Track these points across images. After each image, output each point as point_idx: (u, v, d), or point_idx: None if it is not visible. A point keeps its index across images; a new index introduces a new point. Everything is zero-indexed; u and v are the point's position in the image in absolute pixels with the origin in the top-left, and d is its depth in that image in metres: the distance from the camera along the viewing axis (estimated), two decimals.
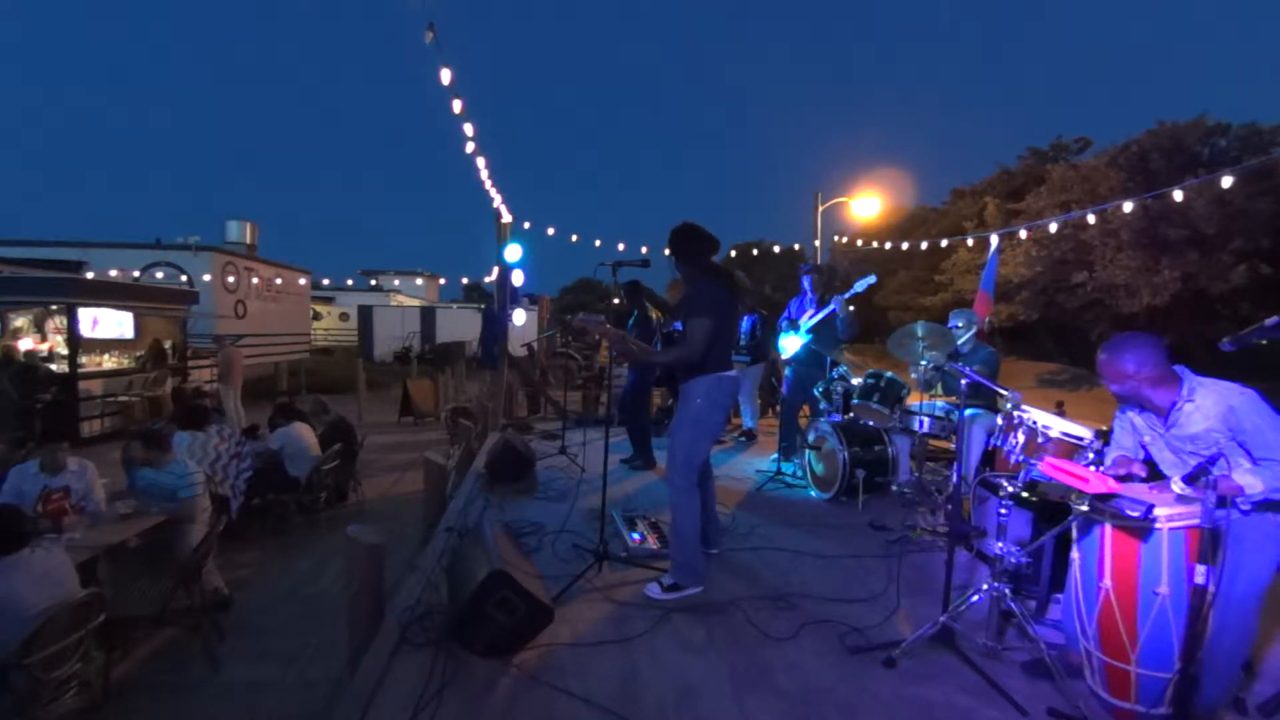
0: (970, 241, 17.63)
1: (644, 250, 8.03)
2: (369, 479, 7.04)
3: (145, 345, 10.65)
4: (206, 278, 13.60)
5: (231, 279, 14.45)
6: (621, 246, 9.85)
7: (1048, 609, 2.82)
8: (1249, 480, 1.87)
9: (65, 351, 9.28)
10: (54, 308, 9.64)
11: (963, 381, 2.86)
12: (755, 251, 28.45)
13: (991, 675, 2.28)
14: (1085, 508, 2.08)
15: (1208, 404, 2.02)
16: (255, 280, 15.50)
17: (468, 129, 6.26)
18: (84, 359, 9.41)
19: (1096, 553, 2.13)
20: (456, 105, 5.84)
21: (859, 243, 13.95)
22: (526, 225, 8.53)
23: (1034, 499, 2.87)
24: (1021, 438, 2.95)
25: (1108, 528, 2.09)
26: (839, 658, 2.46)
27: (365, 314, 24.35)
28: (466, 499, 4.41)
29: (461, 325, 22.89)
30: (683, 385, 3.02)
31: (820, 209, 11.70)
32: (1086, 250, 18.91)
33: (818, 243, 11.79)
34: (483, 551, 2.57)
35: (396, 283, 37.16)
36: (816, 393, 5.17)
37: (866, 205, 12.11)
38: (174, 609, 3.51)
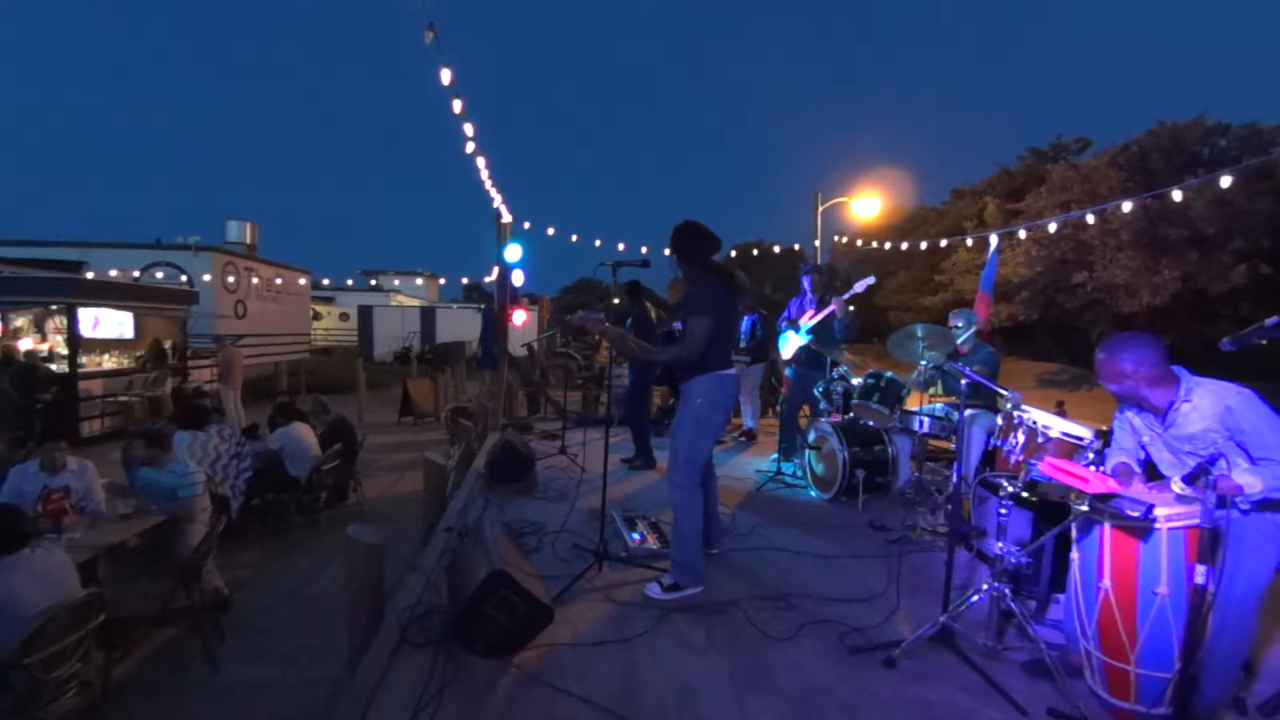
0: (970, 241, 17.63)
1: (644, 250, 8.03)
2: (369, 479, 7.04)
3: (145, 345, 10.65)
4: (206, 278, 13.60)
5: (231, 279, 14.45)
6: (621, 246, 9.85)
7: (1048, 609, 2.82)
8: (1248, 480, 1.88)
9: (65, 351, 9.29)
10: (54, 308, 9.64)
11: (963, 381, 2.86)
12: (755, 251, 28.45)
13: (991, 675, 2.28)
14: (1085, 508, 2.08)
15: (1205, 404, 2.02)
16: (255, 280, 15.50)
17: (468, 129, 6.26)
18: (84, 359, 9.41)
19: (1096, 553, 2.13)
20: (456, 105, 5.84)
21: (859, 243, 13.94)
22: (526, 225, 8.54)
23: (1034, 499, 2.87)
24: (1021, 438, 2.96)
25: (1107, 528, 2.09)
26: (839, 658, 2.46)
27: (365, 314, 24.36)
28: (466, 499, 4.41)
29: (461, 325, 22.90)
30: (683, 385, 3.02)
31: (820, 209, 11.70)
32: (1086, 250, 18.92)
33: (818, 243, 11.78)
34: (483, 551, 2.57)
35: (396, 283, 37.16)
36: (816, 393, 5.17)
37: (866, 205, 12.09)
38: (174, 609, 3.51)
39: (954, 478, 3.39)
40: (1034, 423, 2.94)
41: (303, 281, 18.53)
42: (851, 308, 5.06)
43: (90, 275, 12.02)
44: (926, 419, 4.06)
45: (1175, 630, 1.95)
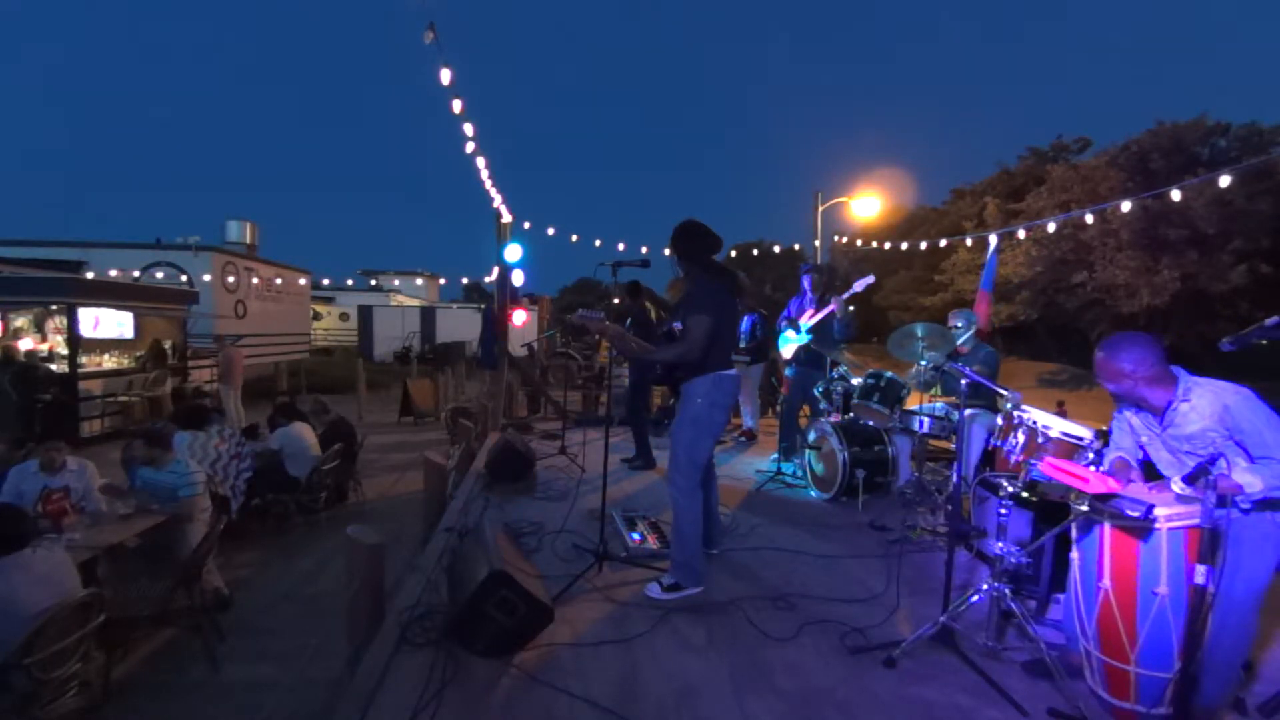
0: (970, 241, 17.63)
1: (644, 250, 8.03)
2: (369, 479, 7.04)
3: (145, 345, 10.65)
4: (206, 278, 13.61)
5: (231, 279, 14.45)
6: (621, 246, 9.84)
7: (1048, 609, 2.82)
8: (1248, 479, 1.88)
9: (65, 351, 9.29)
10: (54, 308, 9.65)
11: (963, 381, 2.86)
12: (755, 251, 28.45)
13: (991, 675, 2.28)
14: (1085, 508, 2.08)
15: (1203, 404, 2.02)
16: (255, 280, 15.51)
17: (468, 129, 6.26)
18: (84, 359, 9.42)
19: (1096, 553, 2.13)
20: (456, 105, 5.84)
21: (859, 243, 13.95)
22: (527, 225, 8.53)
23: (1034, 499, 2.87)
24: (1021, 438, 2.96)
25: (1107, 528, 2.09)
26: (839, 658, 2.46)
27: (365, 314, 24.37)
28: (466, 499, 4.41)
29: (461, 325, 22.89)
30: (683, 385, 3.01)
31: (820, 209, 11.70)
32: (1086, 250, 18.93)
33: (818, 243, 11.78)
34: (483, 551, 2.56)
35: (396, 283, 37.15)
36: (816, 393, 5.17)
37: (866, 205, 12.10)
38: (174, 609, 3.51)
39: (954, 478, 3.40)
40: (1034, 423, 2.94)
41: (303, 281, 18.53)
42: (851, 307, 5.06)
43: (90, 275, 12.03)
44: (926, 419, 4.06)
45: (1175, 630, 1.95)
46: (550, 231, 9.09)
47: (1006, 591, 2.45)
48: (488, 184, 7.42)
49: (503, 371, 7.94)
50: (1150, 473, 2.29)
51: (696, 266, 3.05)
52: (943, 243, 10.34)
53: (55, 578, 2.81)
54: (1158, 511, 1.94)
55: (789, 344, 5.49)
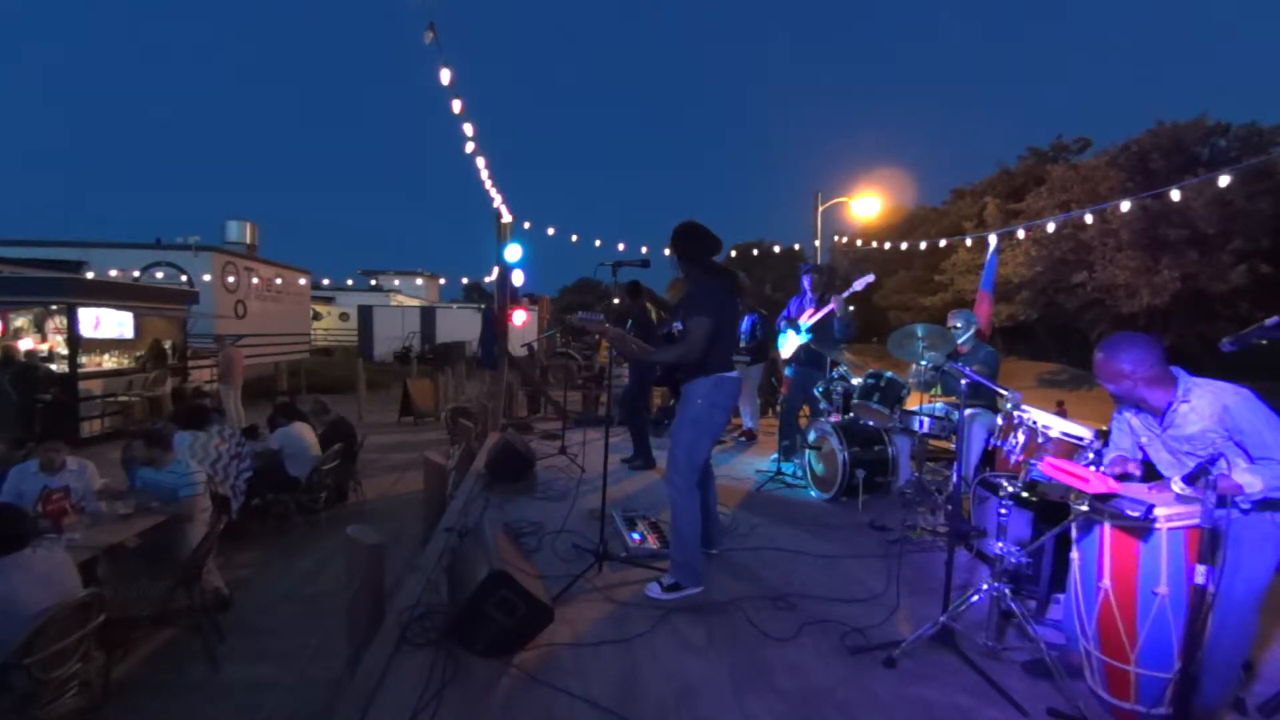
0: (970, 241, 17.63)
1: (644, 250, 8.02)
2: (369, 479, 7.04)
3: (145, 345, 10.65)
4: (206, 278, 13.61)
5: (231, 279, 14.45)
6: (621, 246, 9.83)
7: (1048, 609, 2.82)
8: (1248, 479, 1.88)
9: (65, 351, 9.29)
10: (54, 308, 9.65)
11: (963, 381, 2.86)
12: (755, 251, 28.45)
13: (991, 675, 2.28)
14: (1085, 508, 2.08)
15: (1203, 405, 2.02)
16: (255, 280, 15.51)
17: (467, 129, 6.26)
18: (84, 359, 9.42)
19: (1096, 553, 2.13)
20: (456, 105, 5.84)
21: (859, 243, 13.95)
22: (527, 225, 8.52)
23: (1034, 499, 2.87)
24: (1021, 438, 2.96)
25: (1107, 528, 2.09)
26: (839, 658, 2.46)
27: (365, 314, 24.37)
28: (466, 499, 4.41)
29: (461, 325, 22.90)
30: (684, 386, 3.02)
31: (820, 209, 11.70)
32: (1086, 250, 18.94)
33: (818, 243, 11.78)
34: (483, 551, 2.56)
35: (396, 283, 37.16)
36: (816, 393, 5.17)
37: (866, 205, 12.10)
38: (174, 609, 3.51)
39: (954, 478, 3.40)
40: (1034, 423, 2.94)
41: (303, 281, 18.53)
42: (851, 307, 5.06)
43: (90, 275, 12.03)
44: (926, 419, 4.06)
45: (1175, 630, 1.95)
46: (550, 231, 9.09)
47: (1006, 591, 2.45)
48: (488, 184, 7.42)
49: (503, 371, 7.94)
50: (1150, 473, 2.29)
51: (696, 268, 3.05)
52: (943, 243, 10.34)
53: (55, 578, 2.81)
54: (1158, 511, 1.94)
55: (789, 343, 5.49)
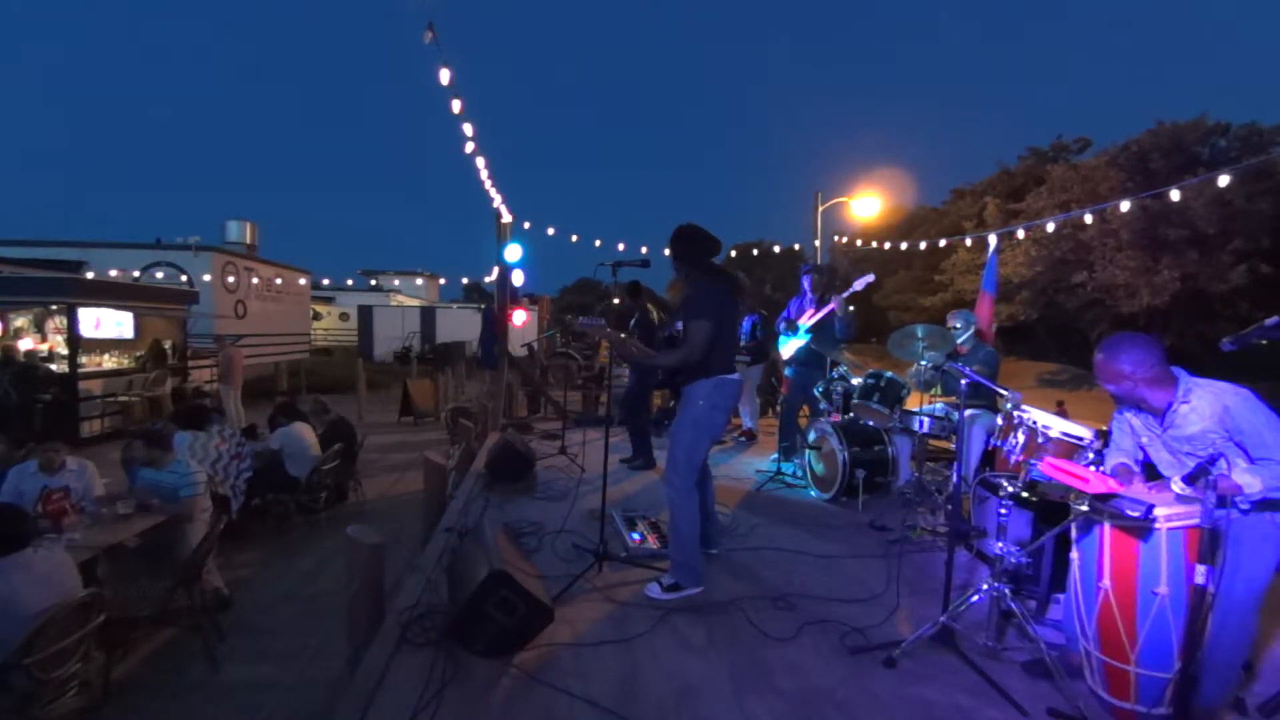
0: (970, 241, 17.64)
1: (644, 250, 8.02)
2: (369, 479, 7.04)
3: (145, 345, 10.65)
4: (206, 278, 13.60)
5: (231, 279, 14.44)
6: (621, 246, 9.84)
7: (1048, 609, 2.82)
8: (1247, 479, 1.88)
9: (65, 351, 9.28)
10: (54, 308, 9.64)
11: (963, 381, 2.86)
12: (755, 252, 28.45)
13: (991, 675, 2.28)
14: (1085, 508, 2.08)
15: (1203, 405, 2.02)
16: (255, 280, 15.50)
17: (467, 129, 6.26)
18: (84, 359, 9.41)
19: (1096, 553, 2.13)
20: (456, 105, 5.84)
21: (859, 243, 13.95)
22: (526, 225, 8.53)
23: (1034, 499, 2.87)
24: (1021, 438, 2.96)
25: (1107, 528, 2.09)
26: (839, 658, 2.46)
27: (365, 314, 24.37)
28: (466, 499, 4.41)
29: (461, 325, 22.90)
30: (685, 387, 3.02)
31: (820, 209, 11.70)
32: (1086, 250, 18.94)
33: (818, 243, 11.78)
34: (483, 551, 2.56)
35: (396, 283, 37.16)
36: (816, 393, 5.17)
37: (866, 205, 12.11)
38: (174, 609, 3.51)
39: (954, 478, 3.40)
40: (1034, 423, 2.94)
41: (303, 281, 18.52)
42: (851, 307, 5.06)
43: (90, 275, 12.02)
44: (926, 419, 4.06)
45: (1175, 630, 1.95)
46: (550, 231, 9.09)
47: (1006, 591, 2.46)
48: (487, 184, 7.42)
49: (503, 371, 7.94)
50: (1150, 473, 2.29)
51: (696, 270, 3.06)
52: (943, 243, 10.34)
53: (55, 578, 2.81)
54: (1158, 511, 1.94)
55: (788, 343, 5.49)
